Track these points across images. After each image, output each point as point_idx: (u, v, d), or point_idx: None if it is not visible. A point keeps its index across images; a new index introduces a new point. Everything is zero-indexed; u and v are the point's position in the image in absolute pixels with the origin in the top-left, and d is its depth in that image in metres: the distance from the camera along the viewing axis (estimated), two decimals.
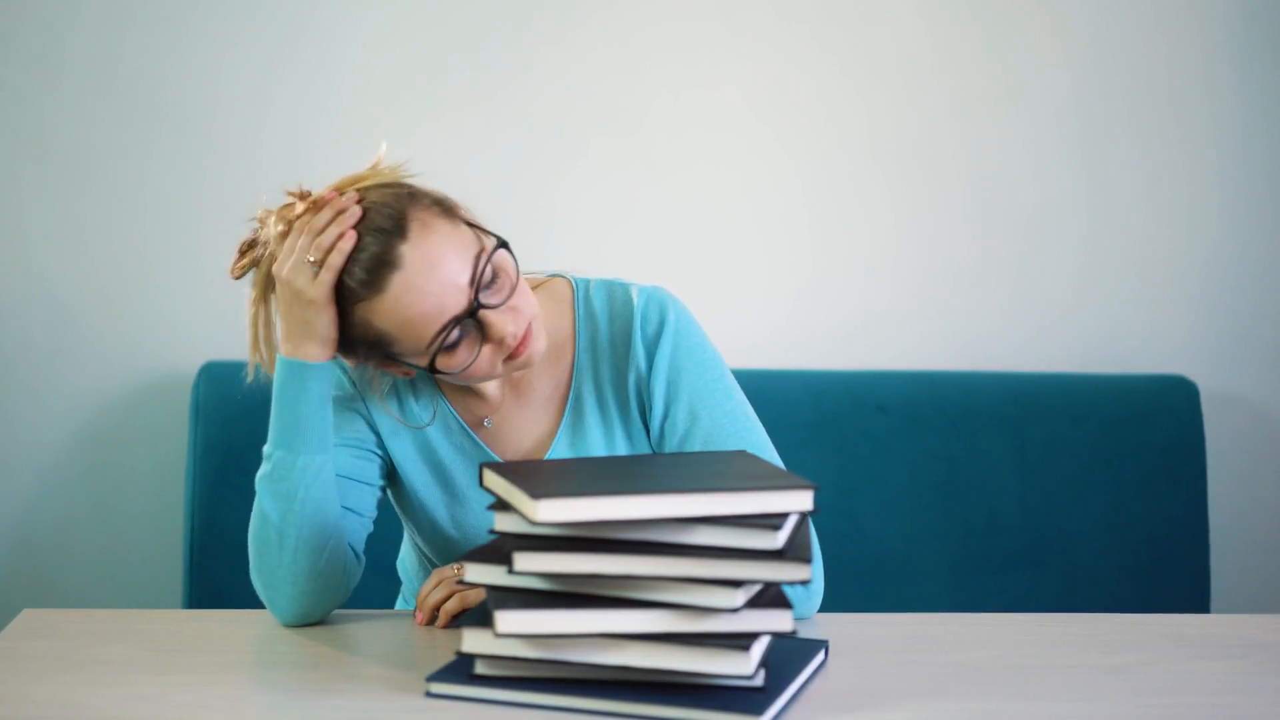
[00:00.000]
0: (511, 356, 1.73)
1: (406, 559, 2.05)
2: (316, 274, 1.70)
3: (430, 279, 1.68)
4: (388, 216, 1.70)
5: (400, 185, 1.75)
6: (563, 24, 2.73)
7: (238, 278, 1.81)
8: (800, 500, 1.45)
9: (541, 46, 2.73)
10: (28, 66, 2.67)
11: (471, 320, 1.70)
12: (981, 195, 2.77)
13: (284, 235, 1.74)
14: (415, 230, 1.70)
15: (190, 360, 2.68)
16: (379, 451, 1.86)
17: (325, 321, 1.72)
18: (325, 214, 1.71)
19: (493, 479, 1.53)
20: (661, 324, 1.84)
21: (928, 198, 2.77)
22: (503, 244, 1.74)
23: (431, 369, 1.73)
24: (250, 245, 1.80)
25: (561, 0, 2.72)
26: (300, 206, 1.74)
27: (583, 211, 2.74)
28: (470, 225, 1.75)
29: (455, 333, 1.70)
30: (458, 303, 1.69)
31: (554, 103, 2.73)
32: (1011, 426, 2.63)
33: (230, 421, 2.55)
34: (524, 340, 1.73)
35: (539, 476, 1.52)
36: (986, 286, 2.78)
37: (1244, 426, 2.80)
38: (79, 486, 2.73)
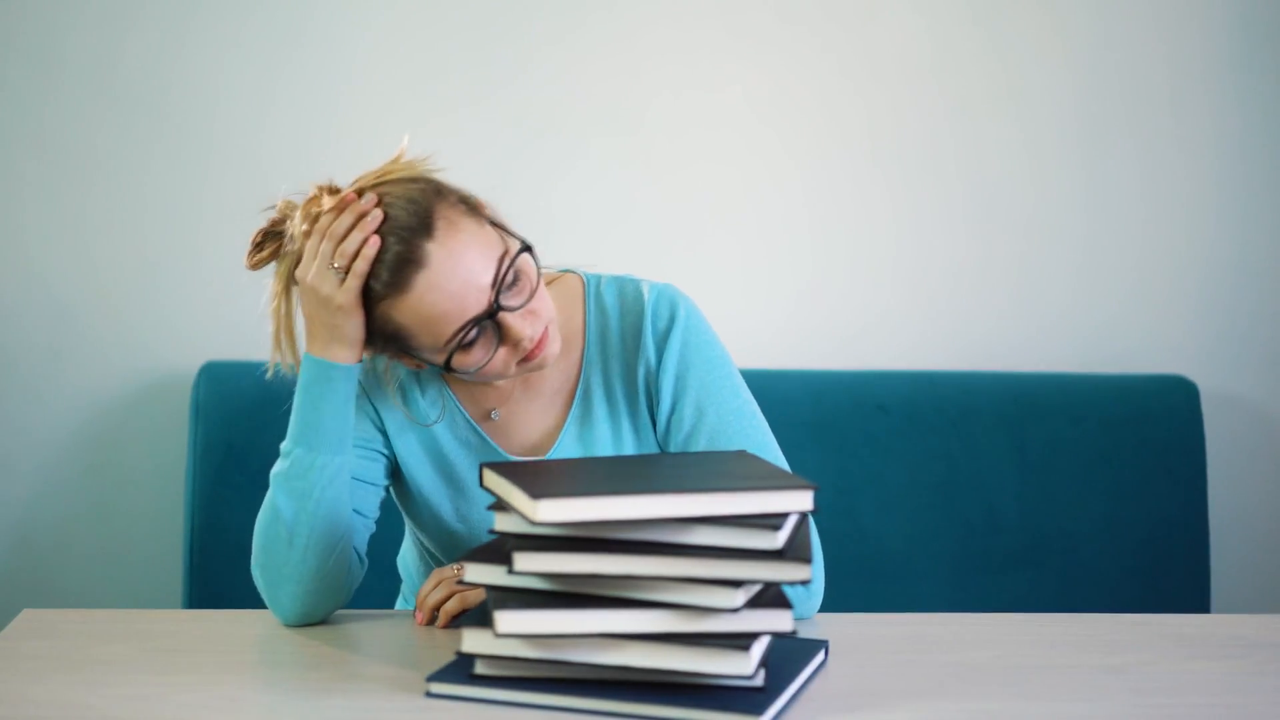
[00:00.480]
0: (526, 359, 1.74)
1: (407, 556, 2.05)
2: (342, 280, 1.70)
3: (453, 278, 1.68)
4: (414, 214, 1.70)
5: (427, 181, 1.74)
6: (563, 24, 2.73)
7: (255, 269, 1.80)
8: (800, 500, 1.45)
9: (542, 46, 2.73)
10: (28, 66, 2.67)
11: (490, 321, 1.71)
12: (981, 195, 2.77)
13: (309, 233, 1.73)
14: (441, 228, 1.70)
15: (190, 360, 2.68)
16: (385, 452, 1.86)
17: (354, 325, 1.72)
18: (346, 219, 1.70)
19: (493, 479, 1.53)
20: (672, 320, 1.85)
21: (928, 198, 2.77)
22: (527, 247, 1.74)
23: (447, 366, 1.73)
24: (266, 236, 1.79)
25: (561, 0, 2.72)
26: (327, 201, 1.73)
27: (583, 211, 2.74)
28: (494, 225, 1.75)
29: (473, 332, 1.70)
30: (478, 303, 1.70)
31: (554, 103, 2.73)
32: (1011, 426, 2.63)
33: (230, 421, 2.55)
34: (540, 344, 1.74)
35: (538, 476, 1.52)
36: (986, 286, 2.78)
37: (1244, 426, 2.80)
38: (79, 486, 2.73)
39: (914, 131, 2.76)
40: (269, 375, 1.82)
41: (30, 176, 2.69)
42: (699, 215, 2.76)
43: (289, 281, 1.77)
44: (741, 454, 1.67)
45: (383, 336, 1.74)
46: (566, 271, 1.91)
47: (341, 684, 1.56)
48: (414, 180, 1.73)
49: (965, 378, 2.69)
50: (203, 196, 2.71)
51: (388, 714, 1.47)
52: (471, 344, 1.71)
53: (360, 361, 1.76)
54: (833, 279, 2.78)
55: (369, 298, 1.71)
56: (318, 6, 2.71)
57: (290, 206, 1.78)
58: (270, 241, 1.79)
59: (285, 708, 1.52)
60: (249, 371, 2.60)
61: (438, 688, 1.50)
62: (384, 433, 1.86)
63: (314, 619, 1.76)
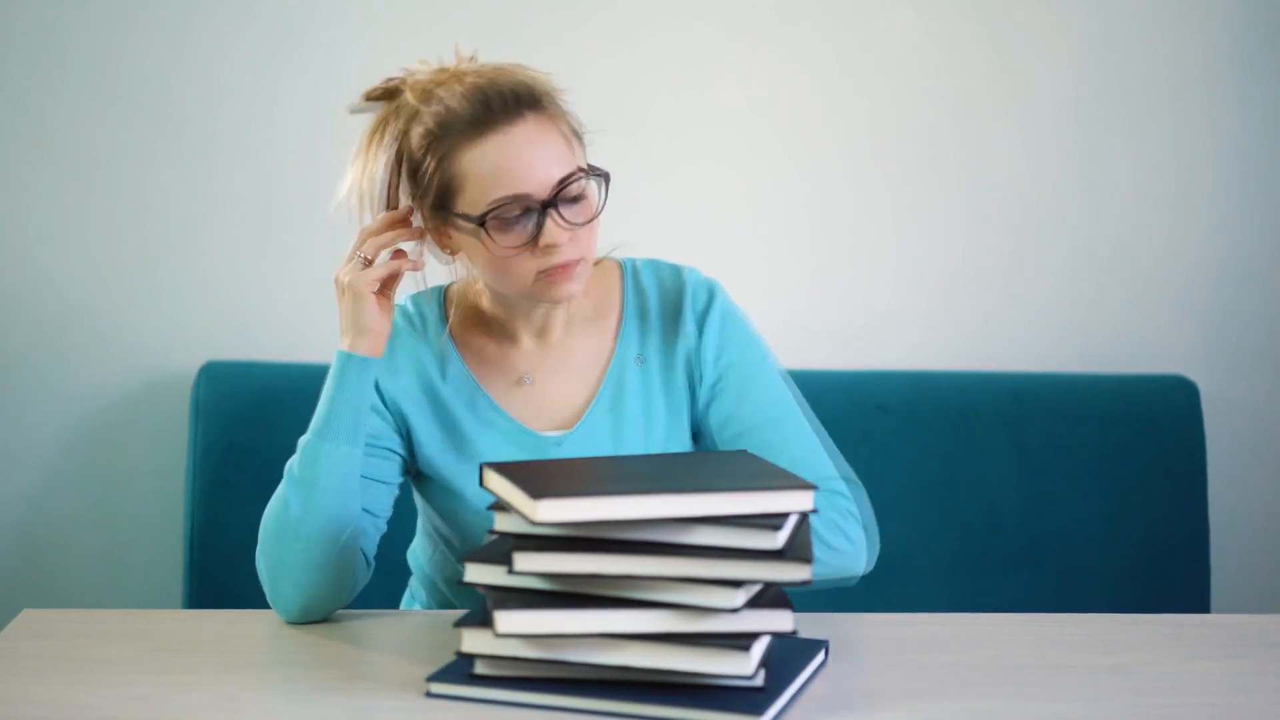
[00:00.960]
0: (547, 275, 1.76)
1: (418, 549, 2.05)
2: (363, 268, 1.77)
3: (526, 154, 1.74)
4: (526, 91, 1.77)
5: (561, 97, 1.82)
6: (563, 24, 2.73)
7: (352, 111, 1.88)
8: (800, 500, 1.45)
9: (542, 46, 2.71)
10: (28, 66, 2.67)
11: (538, 213, 1.74)
12: (982, 195, 2.77)
13: (427, 89, 1.78)
14: (541, 118, 1.77)
15: (190, 360, 2.68)
16: (400, 451, 1.86)
17: (365, 311, 1.76)
18: (382, 220, 1.79)
19: (493, 479, 1.53)
20: (710, 301, 1.93)
21: (928, 198, 2.77)
22: (605, 175, 1.81)
23: (481, 224, 1.75)
24: (384, 93, 1.85)
25: (561, 0, 2.72)
26: (453, 68, 1.80)
27: None
28: (584, 165, 1.82)
29: (517, 211, 1.74)
30: (538, 188, 1.75)
31: None
32: (1011, 426, 2.63)
33: (230, 422, 2.55)
34: (567, 268, 1.76)
35: (539, 476, 1.52)
36: (986, 286, 2.78)
37: (1244, 427, 2.80)
38: (79, 486, 2.73)
39: (914, 131, 2.76)
40: (333, 208, 1.85)
41: (30, 176, 2.70)
42: (699, 215, 2.76)
43: (383, 126, 1.83)
44: (741, 454, 1.68)
45: (435, 186, 1.77)
46: (602, 258, 1.96)
47: (341, 684, 1.56)
48: (552, 86, 1.81)
49: (965, 378, 2.68)
50: (203, 196, 2.71)
51: (388, 714, 1.47)
52: (510, 224, 1.74)
53: (380, 356, 1.78)
54: (833, 279, 2.78)
55: (440, 139, 1.76)
56: (318, 6, 2.71)
57: (413, 72, 1.84)
58: (383, 93, 1.85)
59: (285, 708, 1.52)
60: (249, 371, 2.60)
61: (438, 688, 1.50)
62: (400, 433, 1.86)
63: (315, 615, 1.76)
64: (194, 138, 2.70)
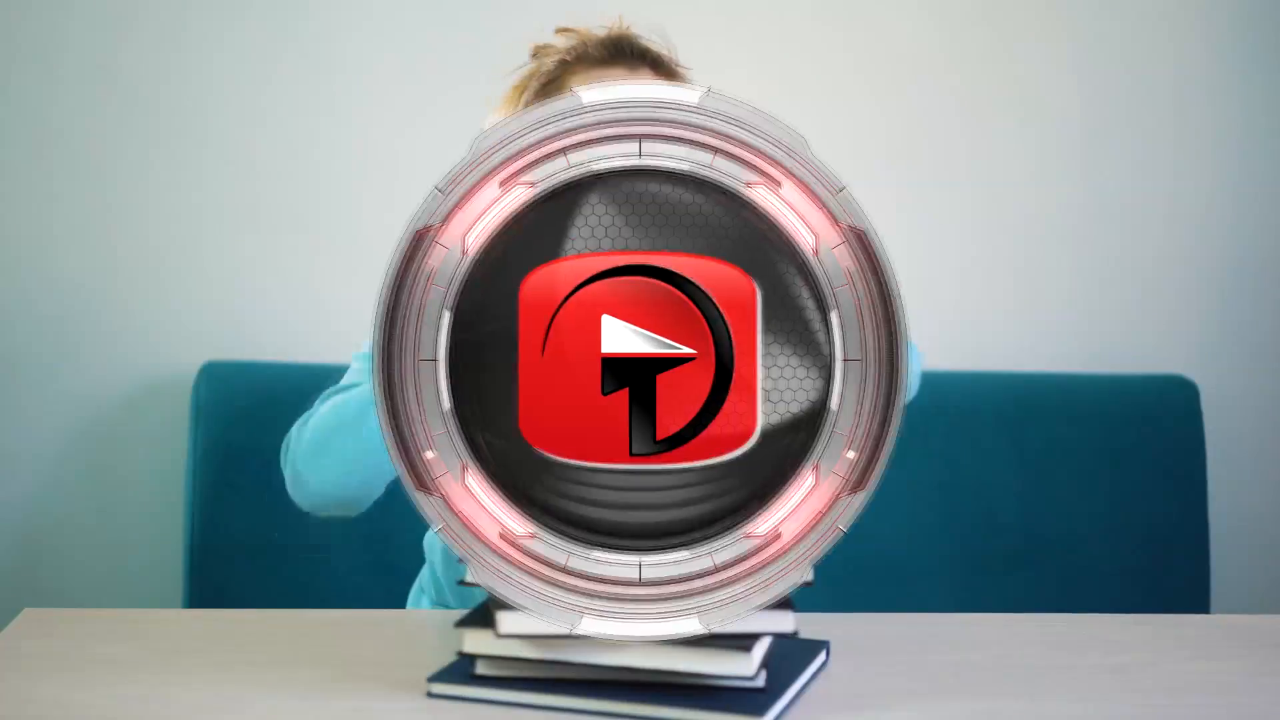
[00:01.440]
0: None
1: (433, 538, 2.05)
2: None
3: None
4: (657, 58, 1.99)
5: (686, 78, 1.97)
6: (563, 23, 2.72)
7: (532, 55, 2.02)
8: None
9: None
10: (28, 66, 2.67)
11: None
12: (983, 195, 2.77)
13: (558, 56, 1.95)
14: (660, 78, 1.93)
15: (190, 360, 2.68)
16: None
17: None
18: None
19: None
20: None
21: (931, 197, 2.77)
22: None
23: None
24: (539, 49, 2.01)
25: (561, 1, 2.72)
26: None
27: None
28: None
29: None
30: None
31: None
32: (1011, 426, 2.63)
33: (231, 422, 2.55)
34: None
35: None
36: (987, 286, 2.78)
37: (1244, 426, 2.80)
38: (79, 486, 2.73)
39: (918, 130, 2.76)
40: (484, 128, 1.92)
41: (30, 176, 2.70)
42: None
43: (531, 77, 1.98)
44: None
45: (542, 85, 1.92)
46: None
47: (341, 684, 1.56)
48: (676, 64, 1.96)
49: (965, 378, 2.69)
50: (203, 196, 2.71)
51: (388, 714, 1.47)
52: None
53: None
54: None
55: (566, 64, 1.94)
56: (318, 7, 2.71)
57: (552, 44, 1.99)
58: (534, 53, 2.02)
59: (285, 708, 1.52)
60: (249, 372, 2.60)
61: (438, 688, 1.50)
62: None
63: (332, 504, 1.81)
64: (194, 137, 2.70)
